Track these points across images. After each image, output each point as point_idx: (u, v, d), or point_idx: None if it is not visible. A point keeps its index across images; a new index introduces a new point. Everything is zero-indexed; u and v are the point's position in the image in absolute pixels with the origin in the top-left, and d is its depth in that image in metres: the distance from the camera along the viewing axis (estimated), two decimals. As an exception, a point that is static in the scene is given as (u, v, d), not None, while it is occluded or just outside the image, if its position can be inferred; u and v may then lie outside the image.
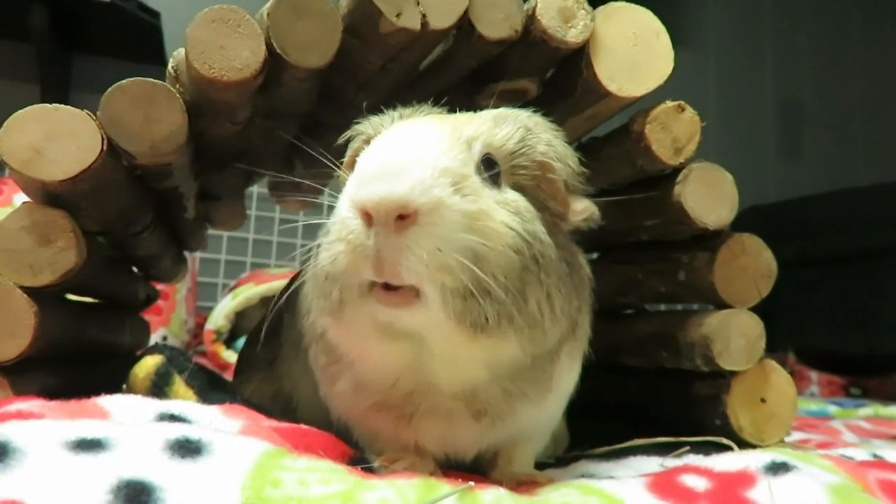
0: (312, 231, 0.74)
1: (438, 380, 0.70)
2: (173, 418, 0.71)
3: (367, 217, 0.61)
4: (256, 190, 2.83)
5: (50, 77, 2.56)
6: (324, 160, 0.77)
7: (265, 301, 2.41)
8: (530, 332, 0.68)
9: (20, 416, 0.64)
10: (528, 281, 0.66)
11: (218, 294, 2.90)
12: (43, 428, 0.57)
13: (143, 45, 2.57)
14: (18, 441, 0.54)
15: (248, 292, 2.49)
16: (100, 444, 0.55)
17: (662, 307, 1.25)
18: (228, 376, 1.51)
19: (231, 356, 2.37)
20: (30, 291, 0.78)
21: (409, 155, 0.63)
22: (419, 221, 0.61)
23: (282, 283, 1.99)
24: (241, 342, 2.40)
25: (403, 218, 0.60)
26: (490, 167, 0.70)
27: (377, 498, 0.56)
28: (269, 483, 0.55)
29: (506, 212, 0.67)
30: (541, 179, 0.73)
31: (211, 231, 1.57)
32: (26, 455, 0.52)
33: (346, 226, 0.63)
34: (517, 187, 0.72)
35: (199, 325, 2.62)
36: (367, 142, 0.76)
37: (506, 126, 0.73)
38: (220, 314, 2.47)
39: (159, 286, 1.59)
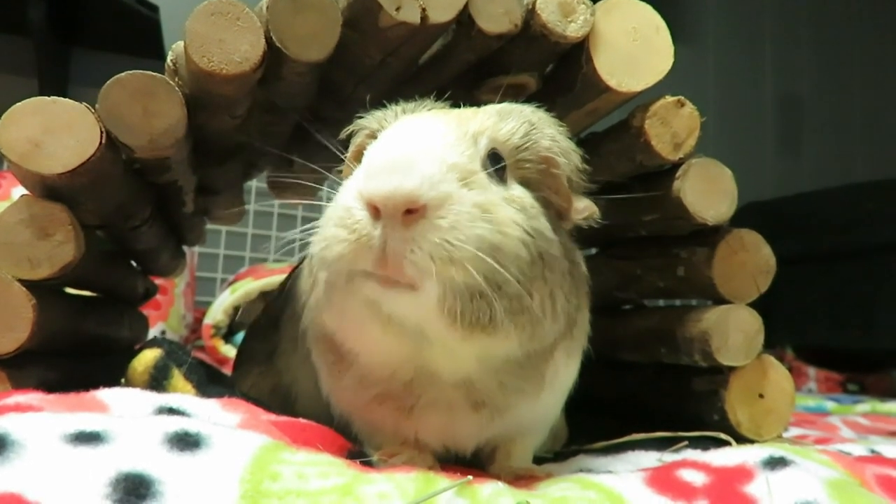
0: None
1: (439, 369, 0.70)
2: (172, 412, 0.71)
3: (375, 210, 0.61)
4: (255, 184, 2.82)
5: (48, 71, 2.54)
6: (325, 152, 0.77)
7: (264, 295, 2.41)
8: (531, 329, 0.68)
9: (19, 408, 0.64)
10: (534, 276, 0.67)
11: (216, 289, 2.90)
12: (42, 421, 0.57)
13: (141, 39, 2.56)
14: (17, 434, 0.54)
15: (247, 287, 2.48)
16: (99, 436, 0.55)
17: (661, 303, 1.25)
18: (227, 371, 1.51)
19: (230, 351, 2.37)
20: (28, 285, 0.78)
21: (418, 149, 0.64)
22: (427, 216, 0.61)
23: (280, 277, 1.99)
24: (239, 337, 2.40)
25: (411, 212, 0.60)
26: (496, 162, 0.70)
27: (376, 492, 0.56)
28: (267, 476, 0.55)
29: (512, 208, 0.67)
30: (545, 174, 0.74)
31: (210, 226, 1.57)
32: (25, 448, 0.52)
33: (350, 214, 0.63)
34: (523, 182, 0.72)
35: (198, 320, 2.62)
36: (371, 136, 0.76)
37: (510, 121, 0.73)
38: (219, 309, 2.47)
39: (158, 281, 1.59)
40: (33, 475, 0.50)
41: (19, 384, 0.79)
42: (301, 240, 0.72)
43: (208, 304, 2.61)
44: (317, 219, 0.70)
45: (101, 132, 0.79)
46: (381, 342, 0.68)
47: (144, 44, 2.55)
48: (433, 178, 0.61)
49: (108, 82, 0.79)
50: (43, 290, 0.81)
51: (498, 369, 0.71)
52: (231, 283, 2.59)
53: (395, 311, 0.64)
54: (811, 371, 3.03)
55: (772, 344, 1.00)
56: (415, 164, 0.62)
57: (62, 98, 0.79)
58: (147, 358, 0.93)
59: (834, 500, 0.62)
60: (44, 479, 0.50)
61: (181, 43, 0.83)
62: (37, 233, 0.79)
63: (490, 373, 0.71)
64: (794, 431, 1.32)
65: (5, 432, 0.54)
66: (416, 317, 0.64)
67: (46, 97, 0.78)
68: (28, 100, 0.78)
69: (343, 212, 0.64)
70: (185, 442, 0.57)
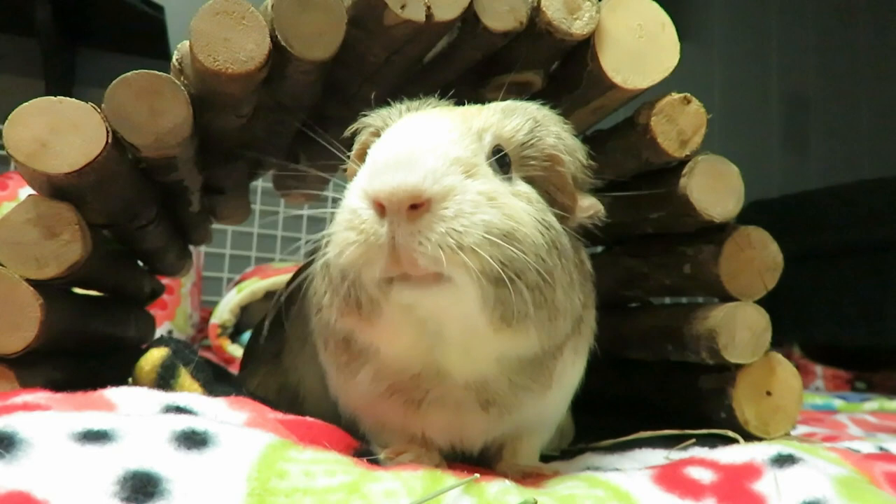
0: (317, 225, 0.74)
1: (450, 368, 0.70)
2: (179, 410, 0.71)
3: (380, 207, 0.61)
4: (261, 184, 2.83)
5: (54, 71, 2.55)
6: (330, 151, 0.77)
7: (270, 295, 2.42)
8: (550, 324, 0.68)
9: (26, 407, 0.64)
10: (554, 265, 0.66)
11: (223, 288, 2.90)
12: (49, 419, 0.57)
13: (146, 39, 2.57)
14: (25, 432, 0.54)
15: (253, 286, 2.49)
16: (106, 435, 0.56)
17: (667, 300, 1.25)
18: (233, 370, 1.51)
19: (236, 350, 2.37)
20: (35, 284, 0.79)
21: (421, 145, 0.63)
22: (432, 209, 0.61)
23: (287, 277, 1.99)
24: (246, 336, 2.41)
25: (416, 207, 0.60)
26: (500, 158, 0.70)
27: (383, 489, 0.56)
28: (274, 474, 0.55)
29: (519, 201, 0.67)
30: (550, 172, 0.73)
31: (216, 225, 1.57)
32: (33, 446, 0.53)
33: (357, 215, 0.63)
34: (527, 179, 0.72)
35: (204, 320, 2.62)
36: (376, 134, 0.76)
37: (515, 118, 0.73)
38: (225, 308, 2.48)
39: (164, 280, 1.59)
40: (41, 473, 0.50)
41: (27, 383, 0.80)
42: (312, 241, 0.72)
43: (214, 303, 2.61)
44: (323, 218, 0.70)
45: (108, 131, 0.79)
46: (407, 338, 0.68)
47: (150, 44, 2.55)
48: (437, 172, 0.61)
49: (114, 82, 0.79)
50: (50, 290, 0.81)
51: (511, 368, 0.71)
52: (237, 283, 2.60)
53: (431, 309, 0.64)
54: (818, 369, 3.02)
55: (779, 342, 0.99)
56: (418, 160, 0.62)
57: (68, 98, 0.79)
58: (154, 357, 0.93)
59: (843, 497, 0.62)
60: (52, 477, 0.50)
61: (187, 42, 0.83)
62: (44, 232, 0.79)
63: (503, 372, 0.71)
64: (801, 429, 1.32)
65: (13, 431, 0.54)
66: (448, 310, 0.64)
67: (53, 97, 0.78)
68: (34, 100, 0.78)
69: (350, 214, 0.64)
70: (193, 440, 0.57)
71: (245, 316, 2.49)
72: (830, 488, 0.63)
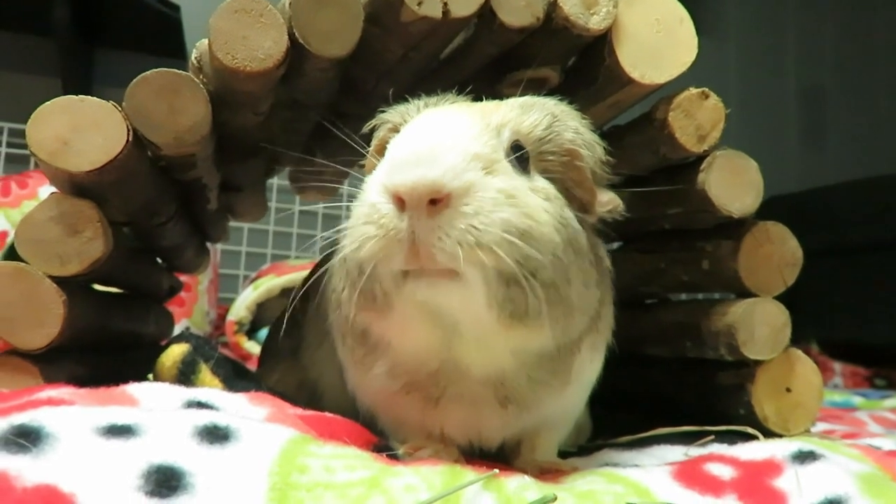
0: (332, 222, 0.74)
1: (467, 364, 0.70)
2: (201, 405, 0.72)
3: (400, 202, 0.61)
4: (277, 182, 2.84)
5: (72, 71, 2.58)
6: (347, 148, 0.77)
7: (286, 292, 2.43)
8: (565, 320, 0.68)
9: (51, 402, 0.64)
10: (569, 263, 0.66)
11: (239, 285, 2.92)
12: (74, 414, 0.58)
13: (163, 39, 2.59)
14: (51, 427, 0.55)
15: (270, 283, 2.51)
16: (130, 429, 0.56)
17: (684, 296, 1.24)
18: (250, 367, 1.52)
19: (253, 347, 2.39)
20: (58, 281, 0.80)
21: (441, 140, 0.64)
22: (452, 205, 0.61)
23: (302, 274, 2.00)
24: (262, 333, 2.42)
25: (436, 202, 0.61)
26: (519, 153, 0.70)
27: (402, 484, 0.57)
28: (295, 469, 0.56)
29: (538, 197, 0.67)
30: (568, 167, 0.73)
31: (232, 223, 1.58)
32: (59, 440, 0.53)
33: (376, 209, 0.63)
34: (545, 175, 0.72)
35: (221, 317, 2.64)
36: (394, 130, 0.76)
37: (533, 113, 0.73)
38: (242, 305, 2.49)
39: (182, 277, 1.60)
40: (67, 467, 0.51)
41: (50, 378, 0.81)
42: (327, 238, 0.72)
43: (231, 300, 2.63)
44: (338, 215, 0.70)
45: (128, 130, 0.80)
46: (420, 333, 0.68)
47: (166, 44, 2.57)
48: (457, 168, 0.62)
49: (134, 80, 0.80)
50: (72, 287, 0.82)
51: (529, 363, 0.71)
52: (253, 280, 2.62)
53: (444, 304, 0.65)
54: (837, 366, 2.99)
55: (797, 338, 0.99)
56: (438, 155, 0.62)
57: (90, 97, 0.80)
58: (175, 353, 0.94)
59: (865, 493, 0.61)
60: (78, 471, 0.51)
61: (205, 41, 0.84)
62: (66, 230, 0.80)
63: (521, 367, 0.71)
64: (820, 426, 1.31)
65: (40, 425, 0.54)
66: (460, 306, 0.64)
67: (74, 96, 0.79)
68: (56, 99, 0.79)
69: (369, 208, 0.64)
70: (215, 435, 0.57)
71: (261, 313, 2.51)
72: (853, 485, 0.62)
